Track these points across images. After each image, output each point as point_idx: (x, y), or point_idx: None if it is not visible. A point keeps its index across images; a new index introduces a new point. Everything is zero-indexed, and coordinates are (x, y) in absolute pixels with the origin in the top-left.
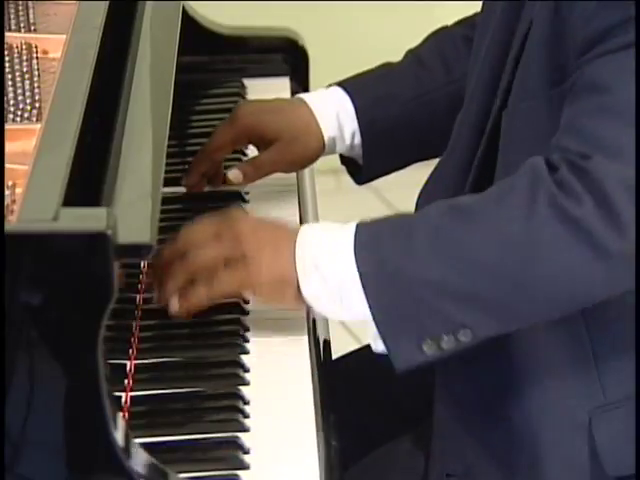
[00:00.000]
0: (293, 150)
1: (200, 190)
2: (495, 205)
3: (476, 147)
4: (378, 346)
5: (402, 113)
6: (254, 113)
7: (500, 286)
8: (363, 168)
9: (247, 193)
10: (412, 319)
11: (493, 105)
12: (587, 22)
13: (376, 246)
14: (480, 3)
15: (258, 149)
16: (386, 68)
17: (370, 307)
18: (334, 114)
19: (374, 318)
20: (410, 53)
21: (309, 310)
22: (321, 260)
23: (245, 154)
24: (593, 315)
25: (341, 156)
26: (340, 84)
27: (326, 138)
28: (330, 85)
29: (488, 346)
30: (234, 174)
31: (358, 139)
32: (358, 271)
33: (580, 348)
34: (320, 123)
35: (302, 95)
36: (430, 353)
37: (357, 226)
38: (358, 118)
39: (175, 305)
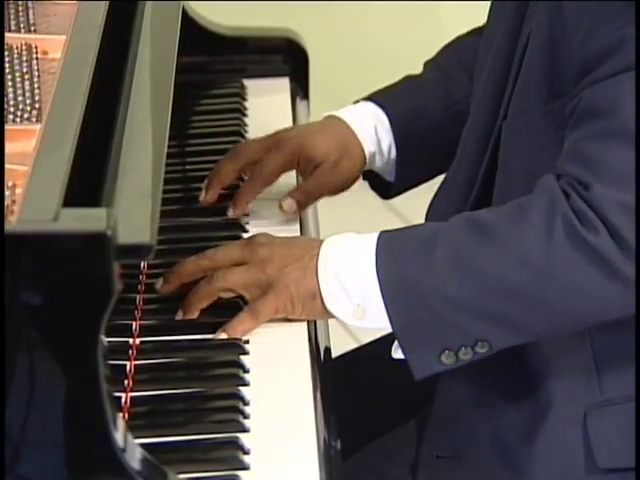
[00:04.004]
0: (338, 172)
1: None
2: (514, 225)
3: (481, 159)
4: (398, 354)
5: (434, 124)
6: (299, 136)
7: (517, 305)
8: (395, 182)
9: None
10: (431, 332)
11: (498, 117)
12: (582, 44)
13: (397, 260)
14: (483, 4)
15: (301, 173)
16: (412, 80)
17: (390, 319)
18: (372, 129)
19: (394, 329)
20: (430, 64)
21: None
22: (342, 271)
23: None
24: None
25: (363, 173)
26: (369, 98)
27: (367, 153)
28: (358, 100)
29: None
30: (288, 204)
31: (393, 153)
32: (379, 284)
33: (580, 345)
34: (360, 139)
35: (336, 113)
36: (448, 363)
37: (379, 237)
38: (393, 132)
39: (222, 336)
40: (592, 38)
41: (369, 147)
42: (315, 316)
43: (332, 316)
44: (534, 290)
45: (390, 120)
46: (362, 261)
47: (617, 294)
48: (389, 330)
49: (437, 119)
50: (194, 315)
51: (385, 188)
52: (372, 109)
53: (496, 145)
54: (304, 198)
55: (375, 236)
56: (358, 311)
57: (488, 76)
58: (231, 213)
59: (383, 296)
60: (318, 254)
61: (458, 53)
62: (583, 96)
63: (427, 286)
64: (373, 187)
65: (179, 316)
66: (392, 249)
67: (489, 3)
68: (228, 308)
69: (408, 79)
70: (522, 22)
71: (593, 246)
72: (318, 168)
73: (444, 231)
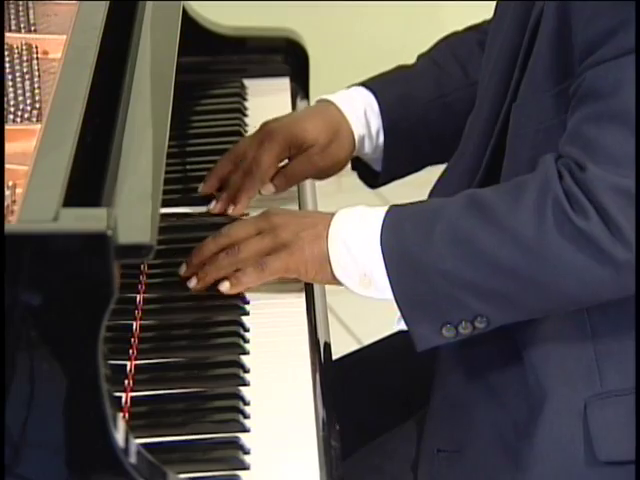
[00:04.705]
0: (326, 155)
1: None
2: (509, 205)
3: (486, 145)
4: (400, 326)
5: (423, 114)
6: (288, 125)
7: (511, 283)
8: (382, 170)
9: None
10: (431, 306)
11: (504, 104)
12: (586, 25)
13: (400, 233)
14: (483, 3)
15: (289, 157)
16: (404, 70)
17: (393, 290)
18: (362, 112)
19: (397, 301)
20: (423, 57)
21: (310, 310)
22: (351, 241)
23: None
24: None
25: (352, 161)
26: (362, 84)
27: (357, 137)
28: (351, 86)
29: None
30: (266, 188)
31: (381, 138)
32: (383, 256)
33: (581, 337)
34: (350, 122)
35: (327, 96)
36: (449, 336)
37: (388, 210)
38: (382, 117)
39: (225, 285)
40: (595, 20)
41: (359, 130)
42: (326, 281)
43: (340, 283)
44: (526, 270)
45: (380, 105)
46: (369, 233)
47: (608, 278)
48: (388, 327)
49: (426, 109)
50: (208, 284)
51: (373, 177)
52: (363, 93)
53: (502, 129)
54: (284, 182)
55: (384, 209)
56: (364, 280)
57: (495, 64)
58: (231, 210)
59: (387, 269)
60: (330, 223)
61: (452, 47)
62: (585, 77)
63: (427, 261)
64: (361, 176)
65: (192, 284)
66: (397, 223)
67: (489, 3)
68: (229, 307)
69: (401, 68)
70: (530, 9)
71: (582, 231)
72: (306, 151)
73: (446, 208)
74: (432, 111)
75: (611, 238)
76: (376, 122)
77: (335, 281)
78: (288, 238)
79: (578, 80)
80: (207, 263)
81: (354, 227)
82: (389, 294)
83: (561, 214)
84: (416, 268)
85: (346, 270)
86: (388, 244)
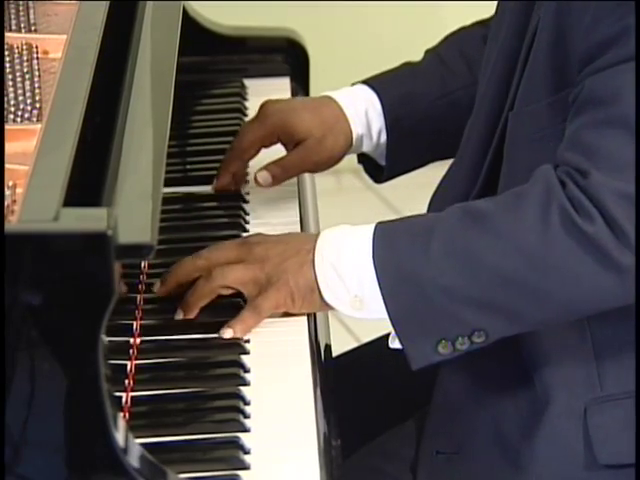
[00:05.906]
0: (321, 149)
1: (229, 190)
2: (510, 215)
3: (485, 151)
4: (395, 344)
5: (427, 112)
6: (284, 111)
7: (513, 294)
8: (386, 166)
9: (247, 193)
10: (428, 322)
11: (503, 109)
12: (586, 34)
13: (393, 250)
14: (483, 3)
15: (285, 147)
16: (409, 67)
17: (387, 309)
18: (363, 111)
19: (391, 319)
20: (430, 52)
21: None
22: (339, 263)
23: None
24: None
25: (358, 156)
26: (365, 82)
27: (355, 135)
28: (355, 83)
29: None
30: (263, 176)
31: (384, 137)
32: (376, 274)
33: (580, 340)
34: (350, 120)
35: (330, 93)
36: (445, 353)
37: (375, 229)
38: (385, 115)
39: (229, 333)
40: (595, 28)
41: (357, 129)
42: (314, 309)
43: (331, 308)
44: (530, 279)
45: (382, 104)
46: (359, 252)
47: (612, 283)
48: (388, 326)
49: (430, 107)
50: (194, 314)
51: (378, 172)
52: (366, 92)
53: (501, 137)
54: (280, 172)
55: (371, 227)
56: (355, 302)
57: (493, 69)
58: (214, 184)
59: (380, 287)
60: (314, 247)
61: (459, 44)
62: (585, 85)
63: (424, 276)
64: (366, 170)
65: (179, 316)
66: (389, 240)
67: (489, 3)
68: (229, 307)
69: (407, 65)
70: (529, 16)
71: (588, 235)
72: (301, 144)
73: (441, 221)
74: (436, 109)
75: (617, 243)
76: (378, 121)
77: (324, 307)
78: (271, 272)
79: (577, 88)
80: (188, 291)
81: (340, 248)
82: (382, 314)
83: (567, 219)
84: (412, 284)
85: (336, 294)
86: (382, 263)
